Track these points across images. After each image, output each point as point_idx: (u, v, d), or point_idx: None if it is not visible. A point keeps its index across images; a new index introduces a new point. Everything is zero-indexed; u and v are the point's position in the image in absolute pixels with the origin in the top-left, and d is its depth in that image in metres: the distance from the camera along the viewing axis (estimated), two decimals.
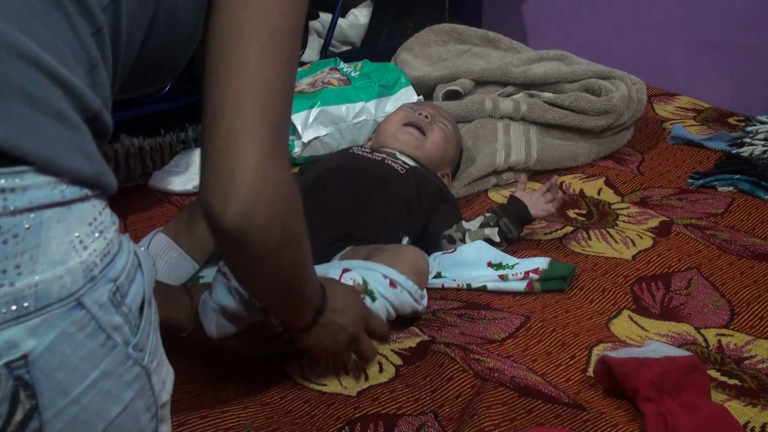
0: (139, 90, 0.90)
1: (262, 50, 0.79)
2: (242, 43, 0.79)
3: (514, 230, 1.52)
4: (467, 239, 1.51)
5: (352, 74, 2.00)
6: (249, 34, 0.79)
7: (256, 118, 0.79)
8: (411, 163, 1.60)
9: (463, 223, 1.54)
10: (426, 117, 1.72)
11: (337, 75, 1.99)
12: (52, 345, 0.64)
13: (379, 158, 1.58)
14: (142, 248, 0.76)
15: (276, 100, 0.80)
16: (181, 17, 0.82)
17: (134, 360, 0.70)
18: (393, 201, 1.49)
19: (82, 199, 0.67)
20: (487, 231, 1.51)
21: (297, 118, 1.83)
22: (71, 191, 0.66)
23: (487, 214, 1.54)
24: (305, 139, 1.83)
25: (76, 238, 0.66)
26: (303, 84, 1.96)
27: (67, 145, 0.66)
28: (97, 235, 0.68)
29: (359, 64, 2.06)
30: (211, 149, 0.79)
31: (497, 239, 1.51)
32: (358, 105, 1.90)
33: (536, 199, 1.53)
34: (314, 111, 1.85)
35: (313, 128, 1.85)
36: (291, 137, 1.85)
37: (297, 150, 1.84)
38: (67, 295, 0.64)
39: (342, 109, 1.88)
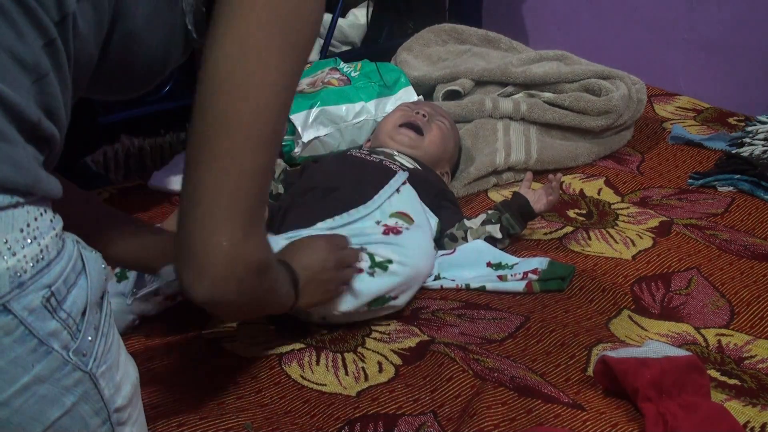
0: (118, 95, 0.93)
1: (243, 138, 0.83)
2: (223, 131, 0.82)
3: (517, 226, 1.52)
4: (469, 237, 1.51)
5: (352, 74, 2.00)
6: (230, 120, 0.82)
7: (230, 208, 0.84)
8: (409, 164, 1.60)
9: (465, 221, 1.54)
10: (424, 116, 1.72)
11: (337, 75, 1.99)
12: None
13: (377, 160, 1.58)
14: (94, 252, 0.75)
15: (251, 187, 0.85)
16: (141, 40, 0.82)
17: (74, 365, 0.70)
18: None
19: (12, 206, 0.67)
20: (489, 228, 1.51)
21: (297, 118, 1.83)
22: None
23: (489, 212, 1.54)
24: (305, 139, 1.83)
25: (4, 244, 0.66)
26: (303, 84, 1.96)
27: None
28: (29, 241, 0.68)
29: (359, 64, 2.06)
30: (186, 228, 0.85)
31: (499, 235, 1.51)
32: (358, 105, 1.90)
33: (539, 196, 1.54)
34: (314, 111, 1.85)
35: (313, 128, 1.85)
36: (291, 137, 1.85)
37: (297, 150, 1.84)
38: None
39: (342, 109, 1.88)
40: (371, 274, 1.25)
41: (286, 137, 1.84)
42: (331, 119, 1.86)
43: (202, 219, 0.84)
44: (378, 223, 1.37)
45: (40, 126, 0.71)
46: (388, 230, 1.34)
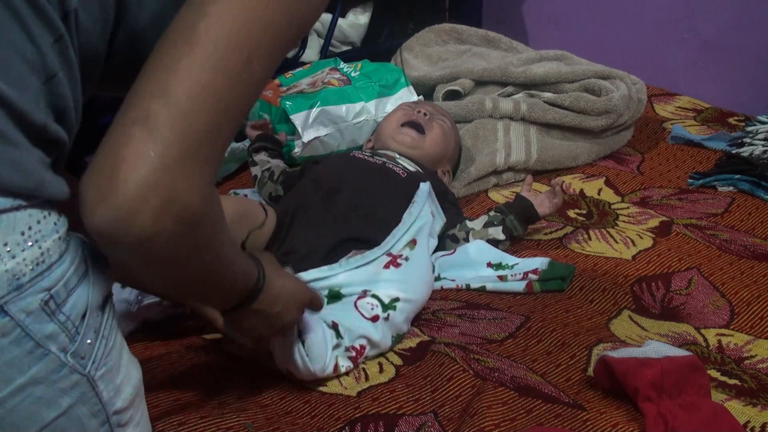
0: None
1: (204, 51, 0.70)
2: (188, 42, 0.71)
3: (520, 227, 1.53)
4: (471, 238, 1.51)
5: (352, 74, 2.00)
6: (198, 35, 0.70)
7: (172, 123, 0.68)
8: (411, 167, 1.60)
9: (467, 222, 1.54)
10: (425, 114, 1.72)
11: (337, 75, 2.00)
12: None
13: (380, 162, 1.59)
14: (101, 255, 0.74)
15: (205, 110, 0.70)
16: (148, 38, 0.80)
17: (71, 368, 0.70)
18: (394, 204, 1.49)
19: (13, 209, 0.67)
20: (491, 231, 1.51)
21: (297, 118, 1.84)
22: (0, 202, 0.66)
23: (491, 213, 1.54)
24: (305, 139, 1.83)
25: (3, 247, 0.66)
26: (303, 84, 1.96)
27: None
28: (30, 244, 0.67)
29: (359, 64, 2.07)
30: (112, 133, 0.68)
31: (501, 237, 1.51)
32: (358, 105, 1.90)
33: (542, 200, 1.54)
34: (314, 111, 1.85)
35: (313, 128, 1.85)
36: (291, 138, 1.85)
37: (297, 150, 1.84)
38: None
39: (342, 109, 1.88)
40: (386, 319, 1.24)
41: (288, 137, 1.85)
42: (332, 119, 1.86)
43: (135, 117, 0.68)
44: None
45: (47, 129, 0.71)
46: (389, 263, 1.33)
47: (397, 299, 1.27)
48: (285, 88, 1.96)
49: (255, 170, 1.72)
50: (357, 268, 1.31)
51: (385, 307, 1.25)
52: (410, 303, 1.29)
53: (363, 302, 1.25)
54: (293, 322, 1.06)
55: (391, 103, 1.94)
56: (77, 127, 0.76)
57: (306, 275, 1.28)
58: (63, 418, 0.71)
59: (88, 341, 0.72)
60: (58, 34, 0.71)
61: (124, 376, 0.77)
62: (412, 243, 1.37)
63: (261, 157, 1.73)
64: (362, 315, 1.23)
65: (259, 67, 0.73)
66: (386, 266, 1.32)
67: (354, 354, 1.20)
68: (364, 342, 1.21)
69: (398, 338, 1.27)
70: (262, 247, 1.41)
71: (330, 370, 1.17)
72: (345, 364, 1.19)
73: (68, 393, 0.71)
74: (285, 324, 1.03)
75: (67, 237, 0.72)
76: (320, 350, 1.14)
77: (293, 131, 1.85)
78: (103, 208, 0.66)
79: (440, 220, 1.51)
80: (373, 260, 1.33)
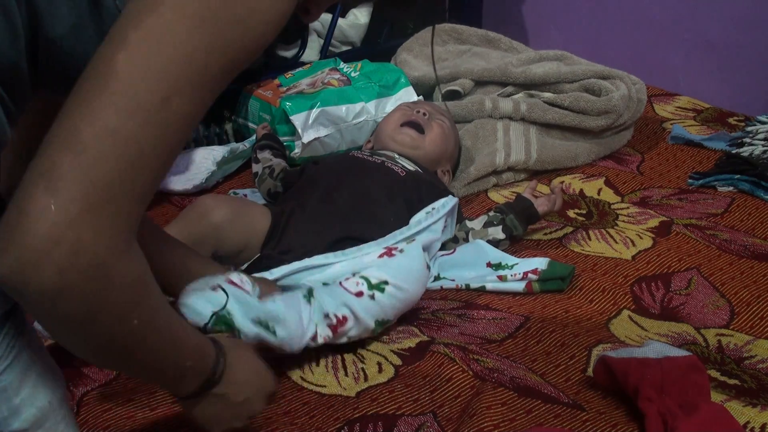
0: None
1: (114, 96, 0.66)
2: (102, 77, 0.67)
3: (520, 227, 1.53)
4: (470, 238, 1.51)
5: (352, 74, 2.00)
6: (113, 70, 0.66)
7: (79, 170, 0.65)
8: (410, 166, 1.61)
9: (467, 222, 1.54)
10: (424, 114, 1.72)
11: (337, 75, 1.99)
12: None
13: (379, 161, 1.59)
14: None
15: (116, 157, 0.66)
16: (68, 49, 0.75)
17: None
18: (393, 203, 1.49)
19: None
20: (491, 230, 1.51)
21: (297, 119, 1.83)
22: None
23: (491, 213, 1.55)
24: (305, 140, 1.83)
25: None
26: (303, 85, 1.96)
27: None
28: None
29: (359, 64, 2.06)
30: (21, 184, 0.66)
31: (501, 236, 1.51)
32: (358, 105, 1.90)
33: (542, 201, 1.55)
34: (314, 112, 1.85)
35: (313, 129, 1.85)
36: (291, 138, 1.85)
37: (297, 151, 1.84)
38: None
39: (342, 110, 1.88)
40: (371, 297, 1.22)
41: (285, 138, 1.85)
42: (332, 120, 1.86)
43: (39, 168, 0.65)
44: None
45: None
46: (383, 254, 1.31)
47: (386, 282, 1.23)
48: (285, 89, 1.96)
49: (256, 167, 1.72)
50: (353, 258, 1.31)
51: (372, 286, 1.22)
52: (400, 291, 1.25)
53: (349, 282, 1.23)
54: (260, 412, 0.96)
55: (391, 103, 1.93)
56: (4, 143, 0.72)
57: (300, 264, 1.29)
58: None
59: None
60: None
61: (25, 398, 0.74)
62: (411, 240, 1.37)
63: (265, 155, 1.73)
64: (346, 290, 1.21)
65: (180, 105, 0.68)
66: (380, 256, 1.31)
67: (335, 323, 1.18)
68: (346, 312, 1.19)
69: (382, 325, 1.24)
70: (259, 245, 1.42)
71: (307, 338, 1.15)
72: (324, 334, 1.17)
73: None
74: (252, 413, 0.94)
75: None
76: (296, 332, 1.13)
77: (293, 132, 1.85)
78: (5, 257, 0.64)
79: (448, 235, 1.51)
80: (369, 253, 1.32)
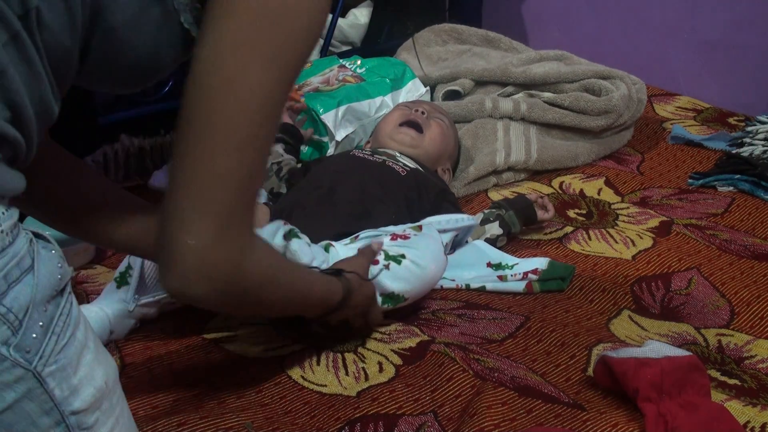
0: (117, 89, 0.95)
1: (213, 140, 0.80)
2: (194, 130, 0.82)
3: (518, 223, 1.53)
4: (469, 237, 1.52)
5: (358, 70, 2.01)
6: (203, 120, 0.81)
7: (197, 209, 0.81)
8: (411, 164, 1.61)
9: None
10: (423, 113, 1.73)
11: (349, 72, 2.01)
12: None
13: (380, 160, 1.59)
14: (54, 251, 0.74)
15: (224, 189, 0.82)
16: (125, 38, 0.80)
17: (14, 361, 0.69)
18: (394, 202, 1.49)
19: None
20: (488, 227, 1.52)
21: (327, 118, 1.85)
22: None
23: (486, 210, 1.55)
24: (338, 138, 1.85)
25: None
26: (315, 83, 1.97)
27: None
28: None
29: (358, 60, 2.07)
30: (162, 220, 0.83)
31: (499, 231, 1.52)
32: (378, 100, 1.92)
33: (541, 212, 1.56)
34: (341, 109, 1.87)
35: (342, 126, 1.87)
36: (325, 139, 1.85)
37: (331, 150, 1.86)
38: None
39: (365, 105, 1.90)
40: (387, 267, 1.23)
41: (322, 139, 1.85)
42: (356, 116, 1.88)
43: (173, 213, 0.82)
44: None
45: None
46: (396, 237, 1.31)
47: (403, 256, 1.25)
48: (296, 86, 1.96)
49: None
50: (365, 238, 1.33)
51: (389, 257, 1.24)
52: (417, 267, 1.25)
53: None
54: (374, 307, 1.24)
55: (402, 96, 1.97)
56: (34, 122, 0.75)
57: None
58: (9, 413, 0.70)
59: (33, 335, 0.70)
60: (12, 31, 0.70)
61: (84, 377, 0.75)
62: (418, 228, 1.37)
63: (277, 149, 1.72)
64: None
65: (265, 132, 0.84)
66: (393, 239, 1.30)
67: None
68: None
69: (392, 300, 1.25)
70: None
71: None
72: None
73: (12, 387, 0.70)
74: (369, 311, 1.23)
75: (13, 231, 0.71)
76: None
77: (325, 132, 1.86)
78: (169, 281, 0.84)
79: (448, 251, 1.50)
80: (379, 236, 1.33)
